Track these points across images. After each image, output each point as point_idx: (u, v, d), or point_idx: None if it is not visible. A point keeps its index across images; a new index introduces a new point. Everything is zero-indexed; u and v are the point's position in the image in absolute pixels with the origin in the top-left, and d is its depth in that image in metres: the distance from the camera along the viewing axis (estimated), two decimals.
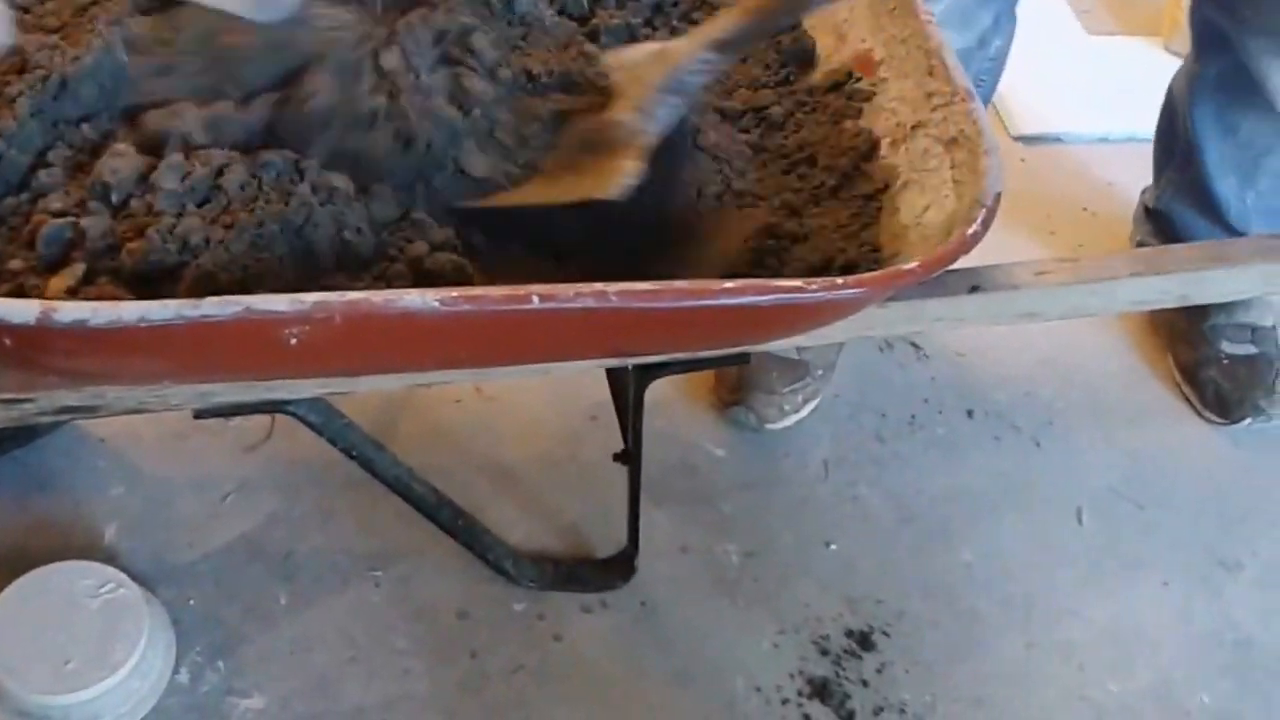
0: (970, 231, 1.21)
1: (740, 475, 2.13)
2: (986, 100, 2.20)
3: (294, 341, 1.09)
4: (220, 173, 1.27)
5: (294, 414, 1.54)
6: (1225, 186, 2.28)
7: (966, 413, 2.29)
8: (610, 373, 1.77)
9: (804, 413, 2.22)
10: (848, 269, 1.34)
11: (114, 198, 1.24)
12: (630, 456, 1.74)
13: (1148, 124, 2.45)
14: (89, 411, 1.43)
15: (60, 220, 1.22)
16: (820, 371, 2.22)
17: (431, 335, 1.17)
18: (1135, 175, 2.59)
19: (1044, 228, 2.67)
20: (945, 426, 2.26)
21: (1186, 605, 2.03)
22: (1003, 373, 2.37)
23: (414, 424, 2.12)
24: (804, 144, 1.51)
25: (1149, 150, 2.47)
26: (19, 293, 1.18)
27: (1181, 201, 2.38)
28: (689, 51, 1.36)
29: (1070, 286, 1.52)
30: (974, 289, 1.48)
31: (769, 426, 2.19)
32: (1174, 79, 2.38)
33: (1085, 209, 2.73)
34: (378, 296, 1.08)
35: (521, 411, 2.16)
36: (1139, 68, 3.08)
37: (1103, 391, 2.37)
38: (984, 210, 1.23)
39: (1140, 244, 2.50)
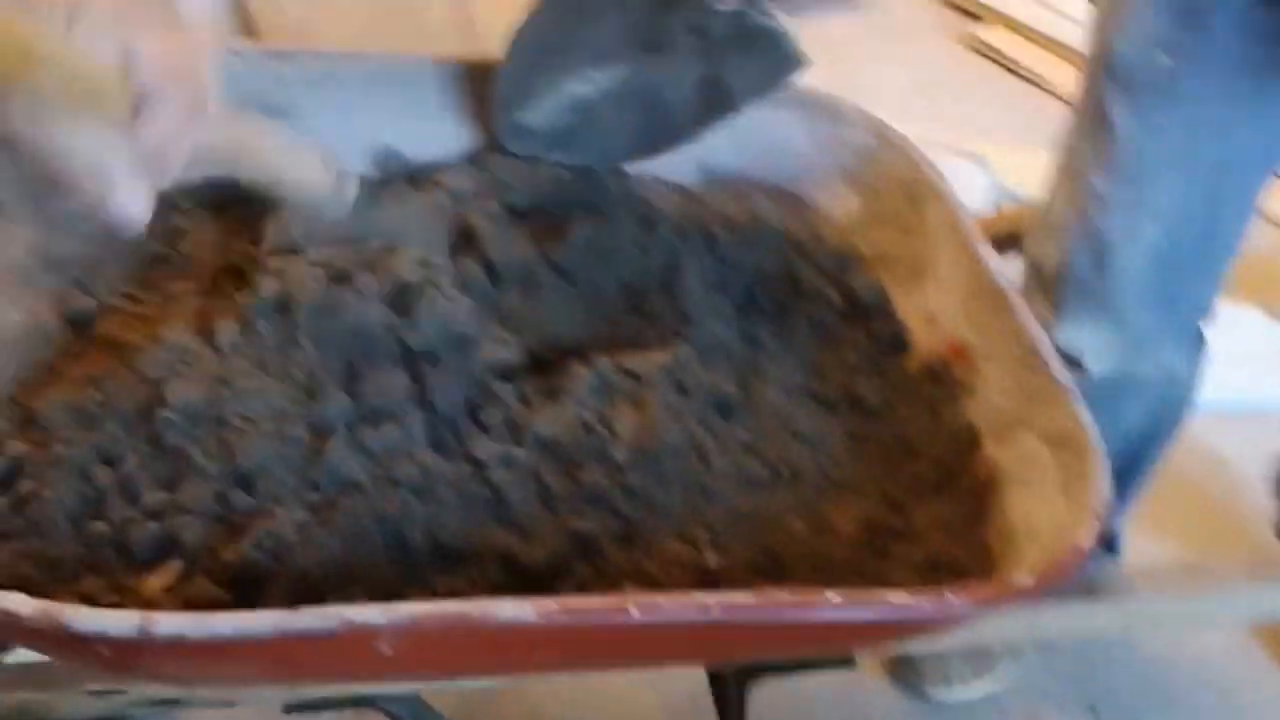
0: (1085, 542, 1.19)
1: None
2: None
3: (389, 649, 1.08)
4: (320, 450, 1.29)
5: (385, 710, 1.51)
6: None
7: (1089, 708, 2.20)
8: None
9: (974, 690, 2.14)
10: (955, 570, 1.32)
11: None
12: None
13: (1262, 395, 2.40)
14: (180, 704, 1.43)
15: (154, 524, 1.22)
16: None
17: (529, 643, 1.15)
18: (1248, 449, 2.53)
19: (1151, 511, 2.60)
20: None
21: None
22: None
23: (511, 707, 2.08)
24: (902, 434, 1.50)
25: (1265, 423, 2.40)
26: (114, 589, 1.18)
27: None
28: None
29: (1191, 595, 1.47)
30: (1089, 596, 1.44)
31: (933, 695, 2.12)
32: None
33: (1196, 486, 2.66)
34: (474, 608, 1.07)
35: (620, 692, 2.11)
36: (1252, 337, 3.04)
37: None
38: (1096, 519, 1.20)
39: None
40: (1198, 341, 2.07)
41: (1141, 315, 1.96)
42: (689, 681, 2.05)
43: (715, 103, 1.70)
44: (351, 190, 1.35)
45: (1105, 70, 1.88)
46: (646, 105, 1.70)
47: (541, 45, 1.66)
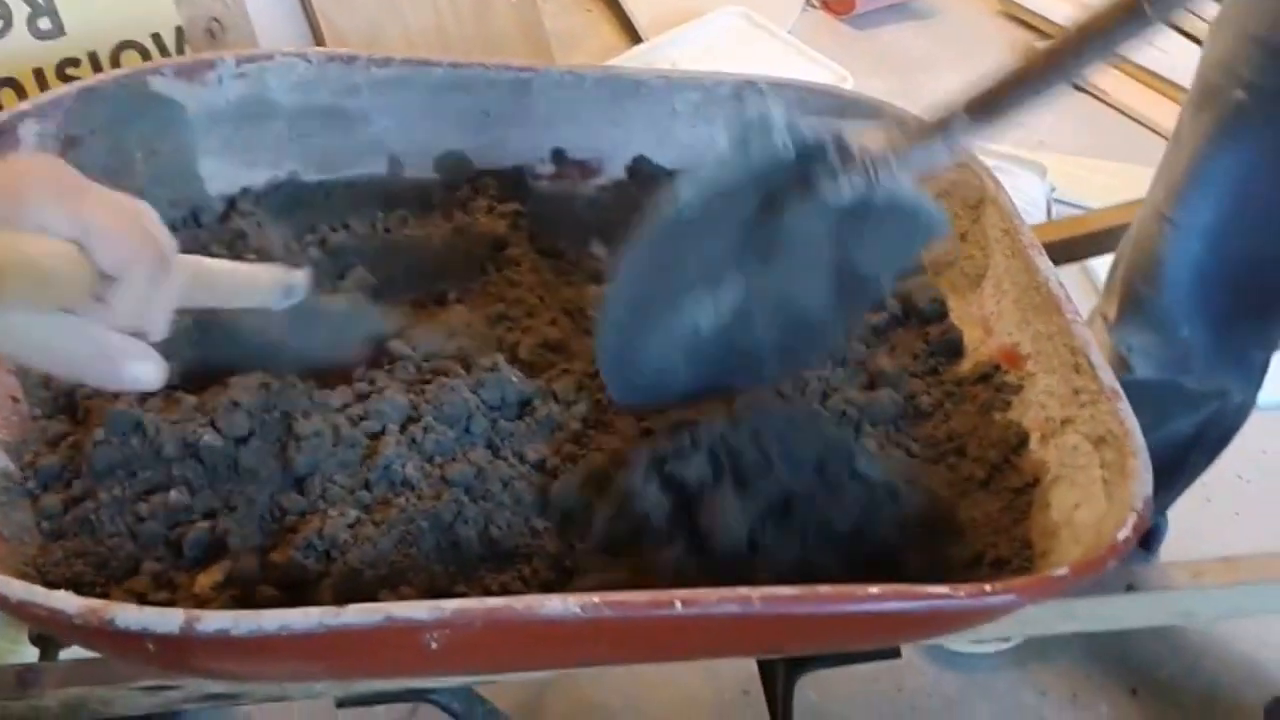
0: (1122, 537, 1.18)
1: None
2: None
3: (434, 645, 1.09)
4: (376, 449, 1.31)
5: (437, 703, 1.53)
6: None
7: (1130, 691, 2.20)
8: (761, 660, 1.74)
9: (991, 648, 2.16)
10: (998, 565, 1.32)
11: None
12: None
13: None
14: (232, 699, 1.44)
15: (204, 525, 1.24)
16: None
17: (575, 638, 1.15)
18: None
19: (1199, 494, 2.60)
20: (1108, 703, 2.18)
21: None
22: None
23: (561, 700, 2.09)
24: (953, 434, 1.50)
25: None
26: (165, 586, 1.21)
27: None
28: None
29: (1229, 588, 1.48)
30: (1129, 588, 1.44)
31: (954, 648, 2.16)
32: None
33: (1240, 476, 2.67)
34: (519, 603, 1.07)
35: (671, 684, 2.12)
36: None
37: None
38: (1134, 515, 1.20)
39: None
40: (1258, 369, 2.07)
41: (1188, 331, 1.98)
42: (743, 674, 2.08)
43: (858, 293, 1.50)
44: (302, 288, 1.31)
45: (1191, 93, 1.89)
46: (780, 316, 1.46)
47: (643, 290, 1.41)
